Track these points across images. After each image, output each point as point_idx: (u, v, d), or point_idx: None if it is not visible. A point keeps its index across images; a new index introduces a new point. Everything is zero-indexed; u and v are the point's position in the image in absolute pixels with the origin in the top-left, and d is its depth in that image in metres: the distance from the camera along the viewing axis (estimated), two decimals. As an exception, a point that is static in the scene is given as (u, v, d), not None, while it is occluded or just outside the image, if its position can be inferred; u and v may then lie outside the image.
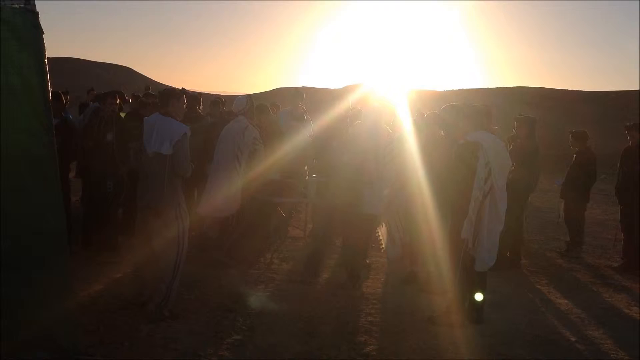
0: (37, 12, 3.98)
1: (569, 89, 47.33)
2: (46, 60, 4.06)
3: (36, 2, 4.01)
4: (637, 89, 40.95)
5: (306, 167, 9.08)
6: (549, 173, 12.57)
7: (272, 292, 6.92)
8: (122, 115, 9.51)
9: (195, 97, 9.40)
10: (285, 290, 7.00)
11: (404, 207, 7.36)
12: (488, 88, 49.47)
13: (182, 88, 8.38)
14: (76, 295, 5.37)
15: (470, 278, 6.03)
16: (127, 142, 8.08)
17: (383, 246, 7.93)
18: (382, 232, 7.97)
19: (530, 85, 48.74)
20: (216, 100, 11.14)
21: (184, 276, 6.97)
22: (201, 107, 9.71)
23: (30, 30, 3.90)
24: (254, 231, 8.48)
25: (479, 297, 6.04)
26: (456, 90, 47.68)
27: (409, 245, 7.50)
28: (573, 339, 5.96)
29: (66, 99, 9.52)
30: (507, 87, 48.28)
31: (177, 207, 5.77)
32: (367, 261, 7.99)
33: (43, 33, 4.01)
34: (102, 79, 62.88)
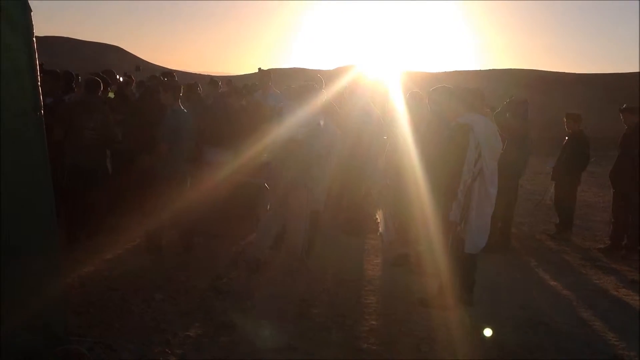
0: (26, -10, 3.91)
1: (562, 71, 47.42)
2: (34, 39, 4.00)
3: (24, -20, 3.94)
4: (634, 71, 41.04)
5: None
6: (542, 156, 12.62)
7: (263, 273, 6.92)
8: (111, 95, 9.41)
9: (193, 84, 9.47)
10: (276, 273, 7.00)
11: (396, 189, 7.35)
12: (480, 70, 49.52)
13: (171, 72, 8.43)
14: (66, 277, 5.37)
15: (461, 260, 6.04)
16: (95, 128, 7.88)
17: (380, 229, 7.93)
18: (378, 215, 7.98)
19: (523, 68, 48.82)
20: (214, 81, 11.10)
21: (175, 258, 7.01)
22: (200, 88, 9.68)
23: (18, 8, 3.83)
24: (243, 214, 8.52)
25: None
26: (448, 72, 47.69)
27: (401, 227, 7.51)
28: (563, 320, 5.99)
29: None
30: (499, 69, 48.32)
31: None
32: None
33: (31, 11, 3.95)
34: (92, 59, 62.38)
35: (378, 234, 8.19)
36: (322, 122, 6.98)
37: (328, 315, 5.74)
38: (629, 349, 5.35)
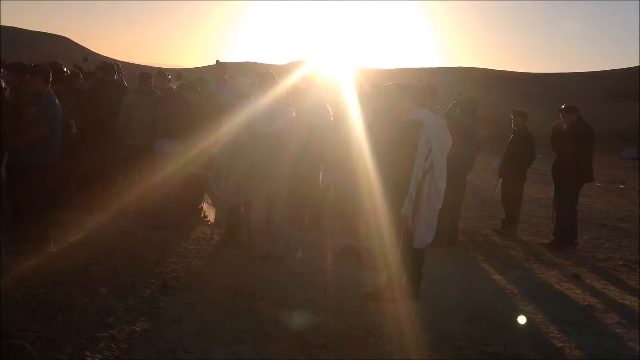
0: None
1: (509, 70, 48.46)
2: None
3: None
4: (576, 71, 42.28)
5: None
6: (488, 152, 12.86)
7: (212, 267, 6.88)
8: None
9: (146, 73, 9.34)
10: (225, 266, 6.96)
11: (348, 184, 7.41)
12: (431, 67, 50.17)
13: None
14: (9, 270, 5.24)
15: (409, 254, 6.11)
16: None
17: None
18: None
19: (472, 66, 49.65)
20: (162, 72, 10.93)
21: (122, 252, 6.90)
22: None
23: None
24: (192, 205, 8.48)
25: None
26: (401, 69, 48.17)
27: (351, 220, 7.58)
28: (506, 314, 6.11)
29: None
30: (450, 67, 49.01)
31: None
32: None
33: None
34: (38, 49, 60.73)
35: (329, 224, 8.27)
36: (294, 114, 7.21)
37: (277, 308, 5.73)
38: (569, 341, 5.50)
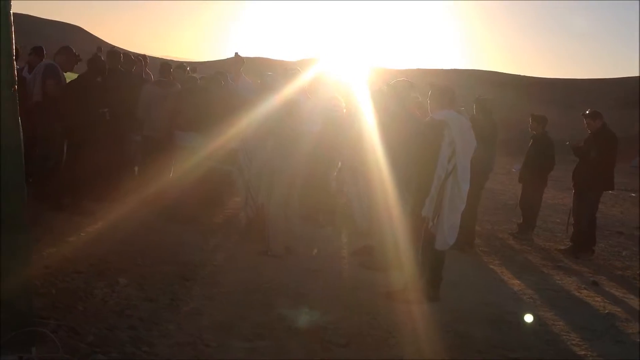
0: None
1: (521, 74, 48.34)
2: (11, 12, 3.81)
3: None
4: (592, 77, 42.11)
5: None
6: (504, 155, 12.79)
7: (230, 261, 6.85)
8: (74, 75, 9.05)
9: (167, 63, 9.28)
10: (243, 260, 6.93)
11: (364, 183, 7.35)
12: (443, 69, 50.06)
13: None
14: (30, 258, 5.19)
15: (430, 256, 6.06)
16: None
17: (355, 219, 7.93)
18: (350, 205, 8.00)
19: (482, 69, 49.54)
20: (182, 65, 10.89)
21: (141, 243, 6.87)
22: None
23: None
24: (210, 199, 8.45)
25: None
26: (413, 69, 48.10)
27: (362, 219, 7.54)
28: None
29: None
30: (461, 70, 48.93)
31: None
32: None
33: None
34: (53, 38, 60.85)
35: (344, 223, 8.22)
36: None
37: (294, 304, 5.68)
38: (591, 349, 5.43)
